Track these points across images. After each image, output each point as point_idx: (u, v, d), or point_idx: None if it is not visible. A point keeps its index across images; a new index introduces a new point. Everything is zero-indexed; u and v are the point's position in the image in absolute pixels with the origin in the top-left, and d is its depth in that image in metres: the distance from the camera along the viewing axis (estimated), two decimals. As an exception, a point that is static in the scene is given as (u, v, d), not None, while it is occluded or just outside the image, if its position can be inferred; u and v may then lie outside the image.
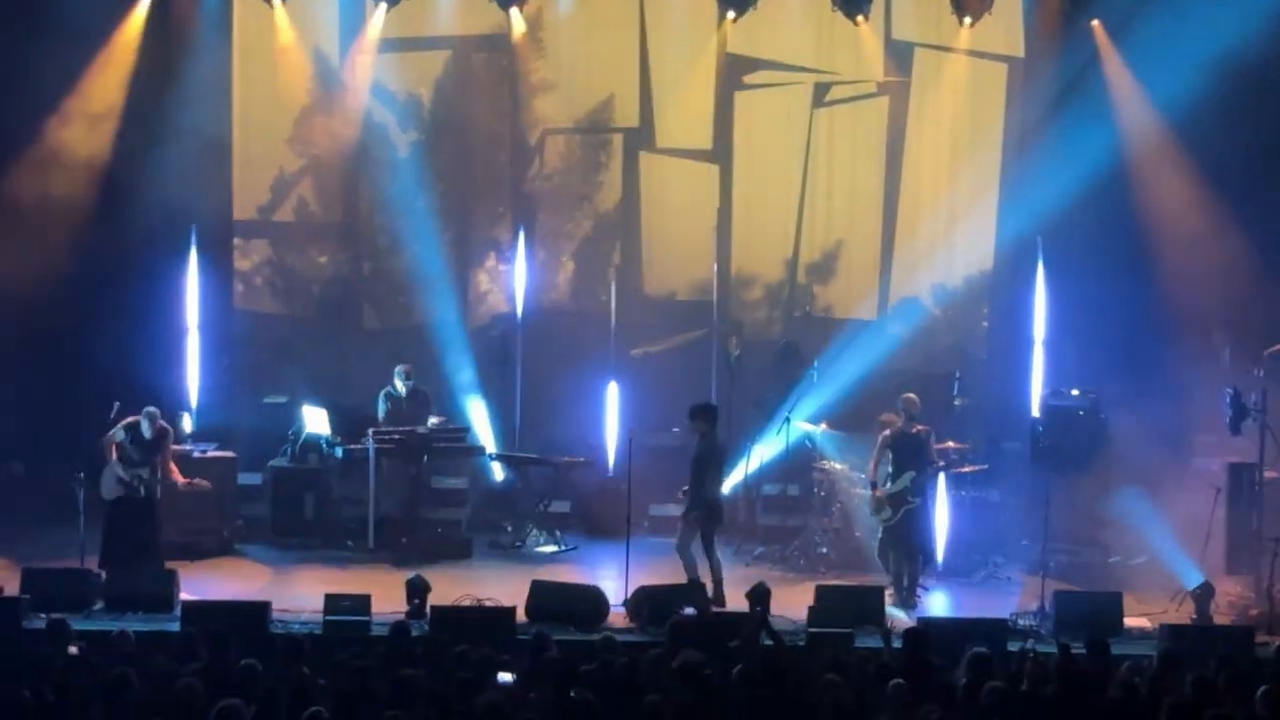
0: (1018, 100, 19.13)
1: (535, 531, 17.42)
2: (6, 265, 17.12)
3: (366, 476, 16.97)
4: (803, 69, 19.36)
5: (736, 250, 19.42)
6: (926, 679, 10.75)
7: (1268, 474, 15.65)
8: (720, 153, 19.45)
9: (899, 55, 19.30)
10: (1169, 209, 17.93)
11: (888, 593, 14.84)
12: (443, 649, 11.32)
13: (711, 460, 15.13)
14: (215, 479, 16.76)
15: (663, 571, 15.06)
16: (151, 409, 15.47)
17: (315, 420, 17.53)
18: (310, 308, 19.48)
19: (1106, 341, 18.02)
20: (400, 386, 17.32)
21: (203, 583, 15.15)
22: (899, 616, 14.44)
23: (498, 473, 18.40)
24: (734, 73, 19.31)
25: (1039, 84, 18.74)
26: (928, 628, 12.69)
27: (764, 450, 17.54)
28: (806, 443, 17.18)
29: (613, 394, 18.46)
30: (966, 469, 16.43)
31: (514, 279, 18.92)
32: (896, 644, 11.84)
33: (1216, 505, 15.69)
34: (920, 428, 15.46)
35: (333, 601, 13.88)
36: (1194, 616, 14.43)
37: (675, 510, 15.68)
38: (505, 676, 10.90)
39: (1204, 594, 14.51)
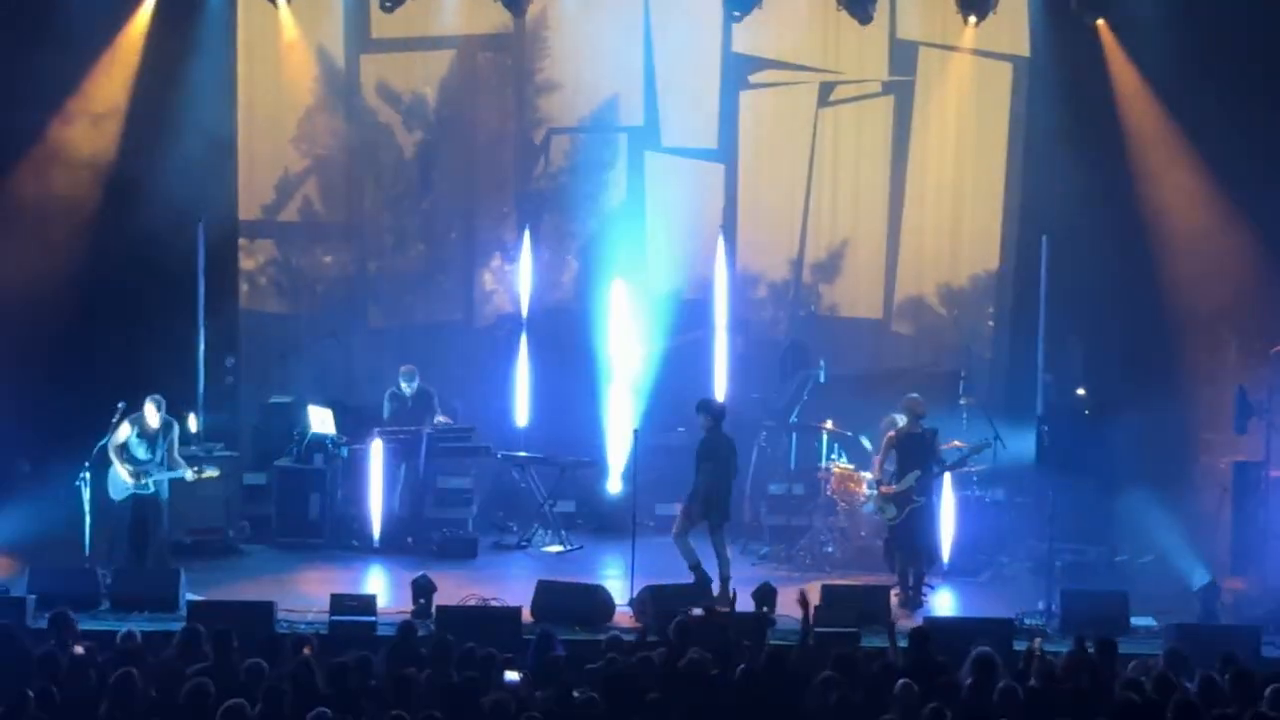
0: (1023, 99, 19.09)
1: (541, 531, 17.42)
2: (12, 265, 17.16)
3: (371, 476, 16.98)
4: (808, 68, 19.34)
5: (742, 249, 19.39)
6: (932, 678, 10.73)
7: (1274, 472, 15.63)
8: (725, 152, 19.41)
9: (904, 54, 19.27)
10: (1175, 207, 17.88)
11: (893, 592, 14.83)
12: (448, 649, 11.31)
13: (712, 454, 15.08)
14: (220, 479, 16.73)
15: (668, 571, 15.04)
16: (156, 396, 15.33)
17: (320, 420, 17.51)
18: (315, 307, 19.47)
19: (1112, 340, 17.98)
20: (405, 386, 17.32)
21: (208, 583, 15.13)
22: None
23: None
24: (739, 72, 19.30)
25: (1044, 83, 18.71)
26: (933, 627, 12.67)
27: (770, 449, 17.48)
28: (812, 442, 17.15)
29: (618, 393, 18.43)
30: (972, 468, 16.42)
31: (519, 278, 18.90)
32: (902, 643, 11.83)
33: (1223, 504, 15.67)
34: (925, 427, 15.45)
35: (338, 601, 13.89)
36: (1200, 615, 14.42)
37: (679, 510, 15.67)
38: (511, 676, 10.91)
39: (1210, 593, 14.49)
